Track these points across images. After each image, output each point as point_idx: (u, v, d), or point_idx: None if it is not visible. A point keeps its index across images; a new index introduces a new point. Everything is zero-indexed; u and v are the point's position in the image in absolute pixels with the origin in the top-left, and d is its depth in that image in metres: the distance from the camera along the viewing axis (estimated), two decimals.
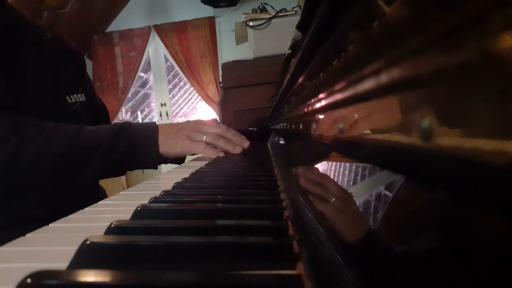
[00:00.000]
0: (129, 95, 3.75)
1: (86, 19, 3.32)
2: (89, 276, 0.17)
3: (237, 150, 0.76)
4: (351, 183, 0.34)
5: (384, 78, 0.16)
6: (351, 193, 0.32)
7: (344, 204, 0.31)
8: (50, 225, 0.30)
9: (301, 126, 0.48)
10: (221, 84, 1.57)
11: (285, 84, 0.63)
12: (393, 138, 0.15)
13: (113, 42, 3.66)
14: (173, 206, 0.31)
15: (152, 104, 3.87)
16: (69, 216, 0.33)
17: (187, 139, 0.72)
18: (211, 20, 3.49)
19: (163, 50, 3.66)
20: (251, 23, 1.49)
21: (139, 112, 3.88)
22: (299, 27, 0.37)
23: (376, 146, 0.18)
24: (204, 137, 0.74)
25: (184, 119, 3.65)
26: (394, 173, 0.21)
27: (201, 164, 0.68)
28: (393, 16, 0.15)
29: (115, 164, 0.69)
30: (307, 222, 0.28)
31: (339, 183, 0.36)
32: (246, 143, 0.77)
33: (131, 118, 3.83)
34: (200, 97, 3.63)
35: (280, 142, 0.98)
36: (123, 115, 3.79)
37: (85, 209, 0.36)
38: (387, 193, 0.23)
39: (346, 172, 0.35)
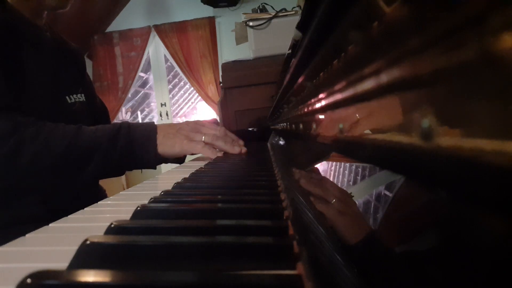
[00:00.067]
0: (129, 95, 3.75)
1: (86, 19, 3.32)
2: (89, 276, 0.17)
3: (236, 150, 0.76)
4: (351, 183, 0.34)
5: (384, 78, 0.16)
6: (351, 193, 0.32)
7: (344, 204, 0.31)
8: (50, 225, 0.30)
9: (301, 126, 0.48)
10: (221, 84, 1.56)
11: (285, 84, 0.63)
12: (393, 138, 0.15)
13: (113, 42, 3.66)
14: (173, 206, 0.31)
15: (152, 104, 3.87)
16: (69, 216, 0.33)
17: (185, 139, 0.72)
18: (211, 20, 3.49)
19: (163, 50, 3.66)
20: (251, 23, 1.49)
21: (139, 112, 3.88)
22: (299, 27, 0.37)
23: (376, 146, 0.18)
24: (203, 137, 0.74)
25: (184, 119, 3.65)
26: (394, 173, 0.21)
27: (201, 164, 0.68)
28: (393, 16, 0.15)
29: (114, 164, 0.69)
30: (307, 222, 0.28)
31: (339, 183, 0.36)
32: (244, 149, 0.78)
33: (131, 118, 3.83)
34: (200, 97, 3.63)
35: (280, 142, 0.98)
36: (123, 115, 3.79)
37: (85, 209, 0.36)
38: (387, 193, 0.23)
39: (346, 172, 0.35)
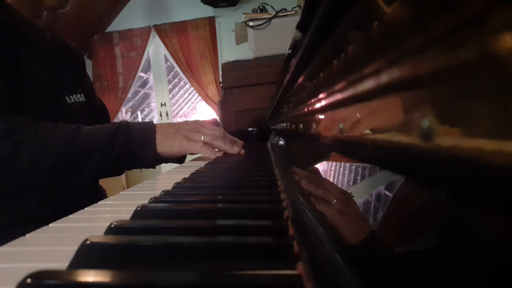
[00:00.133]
0: (129, 95, 3.75)
1: (86, 19, 3.32)
2: (89, 276, 0.17)
3: (235, 150, 0.76)
4: (351, 183, 0.34)
5: (384, 78, 0.16)
6: (351, 193, 0.32)
7: (344, 204, 0.31)
8: (50, 225, 0.30)
9: (301, 126, 0.48)
10: (221, 84, 1.56)
11: (285, 84, 0.63)
12: (393, 138, 0.15)
13: (113, 42, 3.66)
14: (173, 206, 0.31)
15: (152, 104, 3.87)
16: (69, 216, 0.33)
17: (184, 139, 0.72)
18: (211, 20, 3.49)
19: (163, 50, 3.66)
20: (251, 23, 1.49)
21: (139, 112, 3.88)
22: (299, 27, 0.37)
23: (376, 146, 0.18)
24: (202, 137, 0.74)
25: (184, 119, 3.65)
26: (394, 173, 0.21)
27: (201, 164, 0.68)
28: (393, 16, 0.15)
29: (112, 164, 0.69)
30: (307, 222, 0.28)
31: (339, 183, 0.36)
32: (242, 151, 0.78)
33: (131, 118, 3.83)
34: (200, 97, 3.63)
35: (280, 142, 0.98)
36: (123, 115, 3.79)
37: (85, 209, 0.36)
38: (387, 193, 0.23)
39: (346, 172, 0.35)
